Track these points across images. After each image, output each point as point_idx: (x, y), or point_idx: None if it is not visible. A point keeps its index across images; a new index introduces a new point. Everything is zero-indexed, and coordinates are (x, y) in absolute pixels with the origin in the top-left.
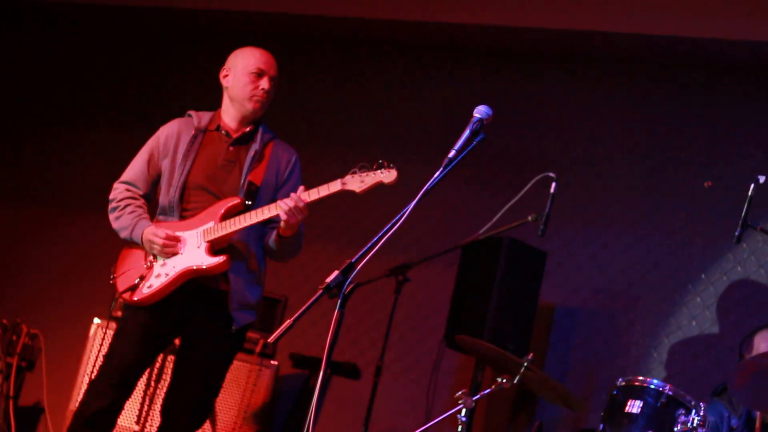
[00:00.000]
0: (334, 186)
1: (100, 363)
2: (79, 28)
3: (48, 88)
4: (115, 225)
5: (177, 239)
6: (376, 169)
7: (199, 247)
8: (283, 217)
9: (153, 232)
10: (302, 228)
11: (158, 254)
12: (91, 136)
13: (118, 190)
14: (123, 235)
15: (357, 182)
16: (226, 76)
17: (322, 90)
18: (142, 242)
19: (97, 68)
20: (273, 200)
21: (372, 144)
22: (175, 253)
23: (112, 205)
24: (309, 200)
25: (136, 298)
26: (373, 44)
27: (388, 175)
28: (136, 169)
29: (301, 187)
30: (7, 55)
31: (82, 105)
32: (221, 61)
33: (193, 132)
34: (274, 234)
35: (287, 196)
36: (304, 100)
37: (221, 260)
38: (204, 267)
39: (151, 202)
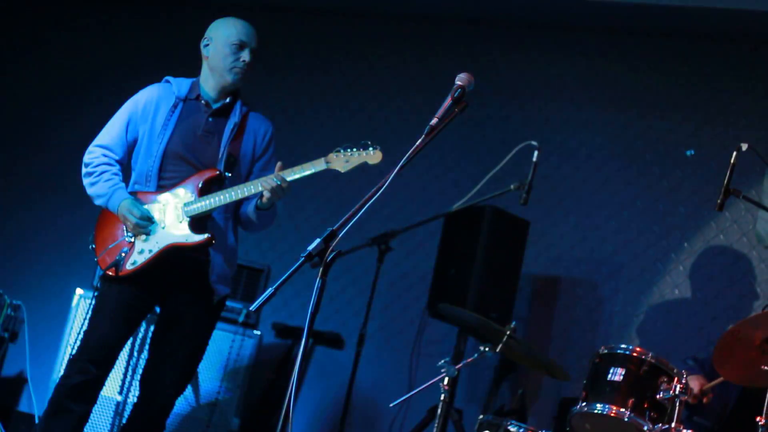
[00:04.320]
0: (318, 165)
1: (80, 338)
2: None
3: (22, 62)
4: (89, 190)
5: (150, 220)
6: (361, 149)
7: (181, 222)
8: (267, 195)
9: (128, 209)
10: (280, 202)
11: (129, 230)
12: (69, 107)
13: (93, 154)
14: (98, 202)
15: (341, 162)
16: (206, 45)
17: (301, 62)
18: (117, 213)
19: (70, 35)
20: (250, 172)
21: (354, 114)
22: (145, 234)
23: (87, 169)
24: (292, 178)
25: (119, 274)
26: (353, 15)
27: (373, 156)
28: (113, 133)
29: (279, 164)
30: None
31: (56, 76)
32: (198, 29)
33: (172, 100)
34: (252, 205)
35: (264, 168)
36: (284, 72)
37: (206, 237)
38: (188, 243)
39: (125, 166)
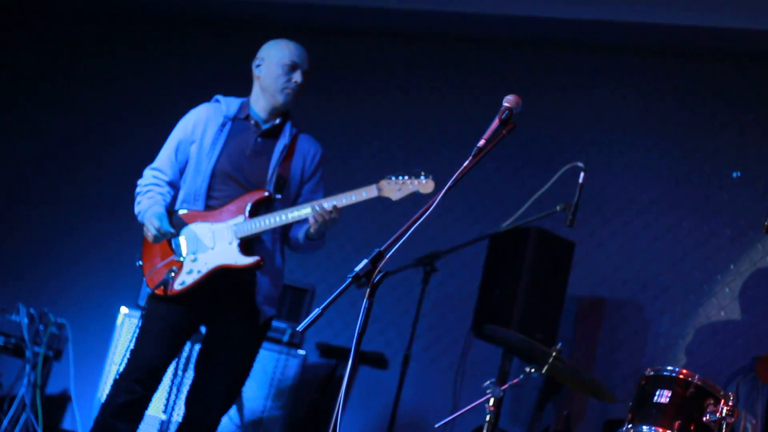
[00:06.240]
0: (370, 191)
1: (126, 358)
2: (96, 18)
3: (66, 85)
4: (135, 209)
5: (171, 236)
6: (414, 178)
7: (230, 243)
8: (312, 220)
9: (150, 219)
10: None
11: (148, 239)
12: (115, 129)
13: (144, 176)
14: (140, 219)
15: (393, 189)
16: (258, 66)
17: (348, 83)
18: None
19: (116, 61)
20: (298, 194)
21: (400, 135)
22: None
23: (137, 190)
24: (342, 205)
25: (167, 294)
26: (399, 36)
27: (425, 185)
28: (163, 155)
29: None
30: (24, 53)
31: (102, 99)
32: (240, 52)
33: (221, 119)
34: (302, 232)
35: (313, 190)
36: (332, 96)
37: (256, 260)
38: (238, 265)
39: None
